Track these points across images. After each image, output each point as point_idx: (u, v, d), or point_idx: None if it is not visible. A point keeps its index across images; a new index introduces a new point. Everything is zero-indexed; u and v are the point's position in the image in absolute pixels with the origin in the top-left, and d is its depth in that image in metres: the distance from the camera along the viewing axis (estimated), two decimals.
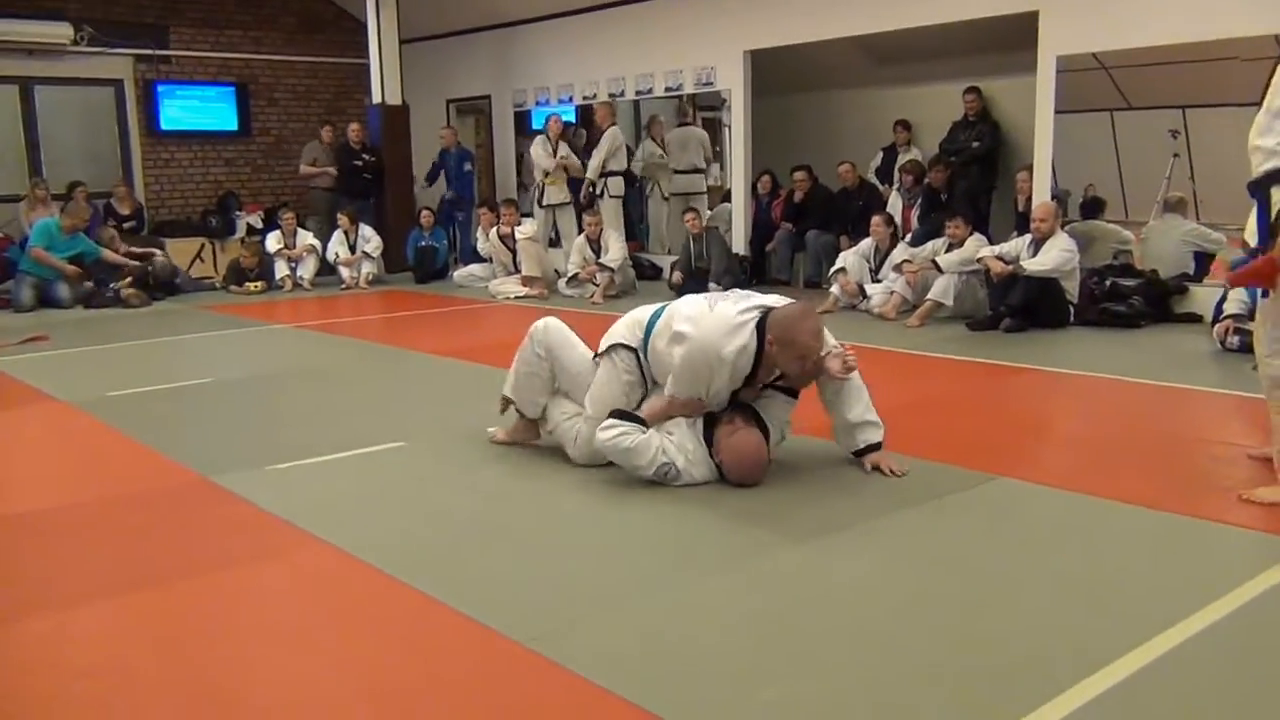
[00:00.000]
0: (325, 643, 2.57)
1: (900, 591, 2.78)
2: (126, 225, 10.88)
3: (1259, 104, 3.23)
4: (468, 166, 12.04)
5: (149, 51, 12.17)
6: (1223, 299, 6.22)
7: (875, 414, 3.85)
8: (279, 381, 6.07)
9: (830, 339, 3.76)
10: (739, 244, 10.05)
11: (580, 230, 9.98)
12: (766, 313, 3.62)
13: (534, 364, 4.07)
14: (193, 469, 4.05)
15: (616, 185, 10.35)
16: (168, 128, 12.35)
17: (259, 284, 10.57)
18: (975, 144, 9.01)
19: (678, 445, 3.66)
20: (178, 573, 3.02)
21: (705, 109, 10.81)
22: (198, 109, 12.52)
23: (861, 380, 3.84)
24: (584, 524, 3.42)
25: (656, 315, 3.87)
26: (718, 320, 3.61)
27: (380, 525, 3.40)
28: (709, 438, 3.69)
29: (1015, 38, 8.07)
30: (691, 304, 3.78)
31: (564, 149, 10.50)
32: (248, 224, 12.10)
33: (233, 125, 12.79)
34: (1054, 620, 2.57)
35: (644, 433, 3.64)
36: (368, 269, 10.95)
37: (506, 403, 4.21)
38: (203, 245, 11.80)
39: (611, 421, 3.66)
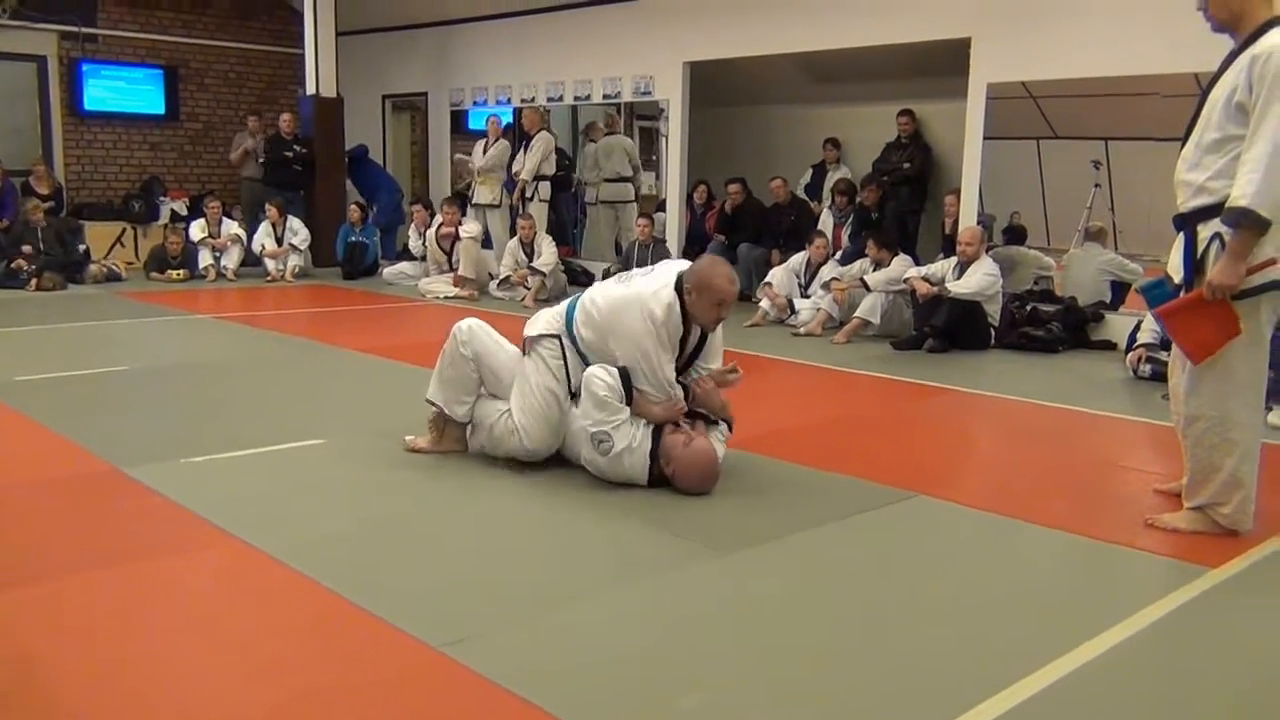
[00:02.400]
0: (234, 642, 2.51)
1: (820, 605, 2.80)
2: (44, 206, 10.53)
3: (1180, 139, 3.33)
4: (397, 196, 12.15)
5: (75, 29, 11.82)
6: (1137, 328, 6.41)
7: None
8: (197, 372, 5.93)
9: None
10: (675, 252, 10.08)
11: (512, 232, 9.93)
12: (678, 276, 3.78)
13: (460, 365, 4.04)
14: (104, 459, 3.93)
15: (545, 190, 10.32)
16: (92, 108, 12.00)
17: (181, 272, 10.33)
18: (907, 165, 9.18)
19: (631, 434, 3.69)
20: (85, 564, 2.93)
21: (643, 118, 10.85)
22: (124, 90, 12.19)
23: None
24: (504, 528, 3.40)
25: (573, 305, 3.95)
26: (639, 288, 3.77)
27: (296, 523, 3.33)
28: (656, 447, 3.71)
29: (948, 64, 8.24)
30: (606, 285, 3.96)
31: (496, 149, 10.43)
32: (172, 210, 11.83)
33: (160, 109, 12.47)
34: (967, 636, 2.62)
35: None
36: (294, 262, 10.76)
37: (434, 408, 4.16)
38: (124, 230, 11.50)
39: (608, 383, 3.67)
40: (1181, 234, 3.26)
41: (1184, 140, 3.29)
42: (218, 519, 3.28)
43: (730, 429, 3.96)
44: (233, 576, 2.93)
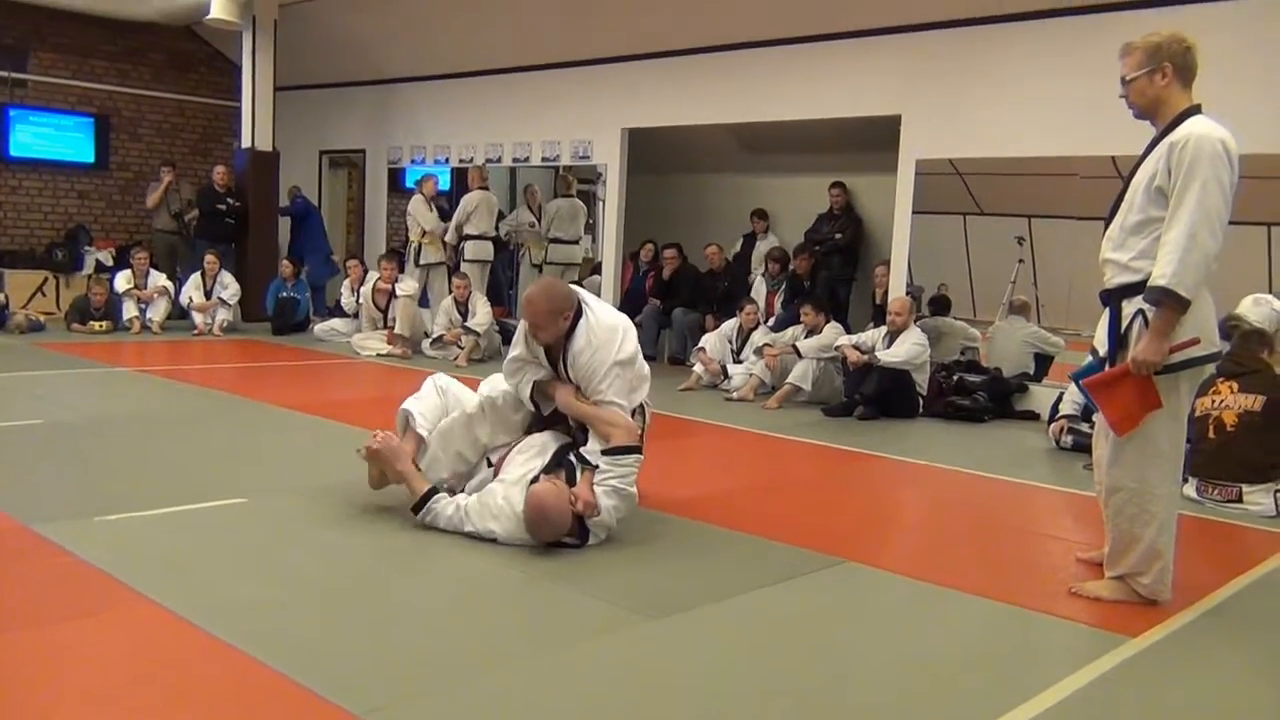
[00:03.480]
0: (143, 710, 2.40)
1: (748, 673, 2.78)
2: None
3: (1100, 218, 3.46)
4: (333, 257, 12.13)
5: (4, 74, 11.63)
6: (1059, 400, 6.57)
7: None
8: (116, 427, 5.76)
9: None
10: None
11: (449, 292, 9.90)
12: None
13: (431, 395, 4.19)
14: (13, 516, 3.78)
15: (476, 249, 10.33)
16: (17, 154, 11.78)
17: (104, 324, 10.08)
18: (838, 235, 9.36)
19: (503, 496, 3.72)
20: None
21: (581, 182, 10.94)
22: (52, 137, 12.00)
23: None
24: (430, 591, 3.33)
25: None
26: None
27: (214, 585, 3.23)
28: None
29: (878, 138, 8.47)
30: None
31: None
32: (97, 260, 11.59)
33: (89, 157, 12.29)
34: (893, 705, 2.62)
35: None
36: (223, 315, 10.59)
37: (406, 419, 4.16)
38: (45, 279, 11.23)
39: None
40: (1107, 309, 3.38)
41: (1108, 221, 3.42)
42: (130, 580, 3.16)
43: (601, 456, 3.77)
44: (143, 641, 2.82)
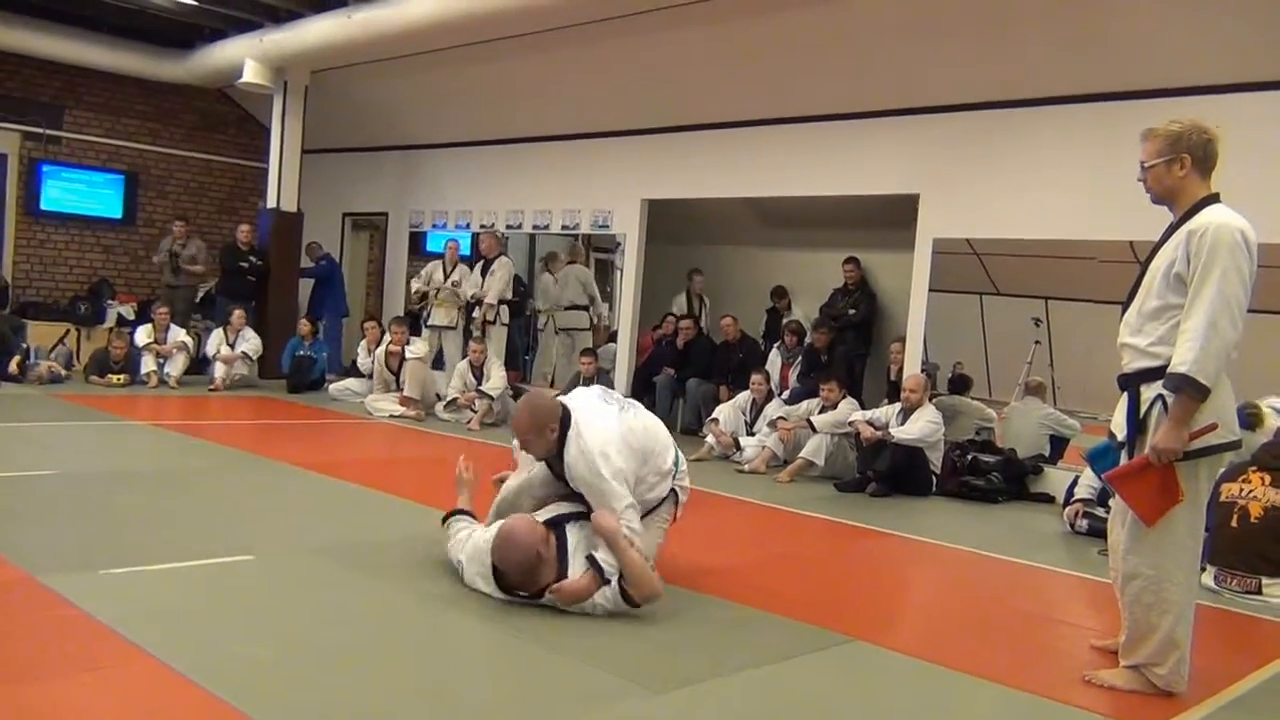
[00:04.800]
0: None
1: None
2: None
3: (1120, 303, 3.46)
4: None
5: (39, 130, 11.89)
6: (1074, 483, 6.50)
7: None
8: (128, 480, 5.77)
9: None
10: (621, 385, 10.14)
11: (464, 355, 9.94)
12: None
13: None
14: (19, 566, 3.77)
15: (505, 314, 10.43)
16: (48, 208, 11.98)
17: (122, 377, 10.15)
18: (852, 311, 9.39)
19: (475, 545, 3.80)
20: None
21: (600, 250, 11.04)
22: (83, 193, 12.21)
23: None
24: (432, 655, 3.29)
25: None
26: None
27: (217, 643, 3.20)
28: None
29: (896, 217, 8.53)
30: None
31: (459, 274, 10.56)
32: (119, 314, 11.71)
33: (117, 213, 12.49)
34: None
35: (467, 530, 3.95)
36: (238, 370, 10.65)
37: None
38: (67, 331, 11.33)
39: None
40: (1125, 394, 3.36)
41: (1125, 305, 3.43)
42: (134, 635, 3.14)
43: (619, 590, 3.65)
44: (143, 698, 2.79)
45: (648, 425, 4.08)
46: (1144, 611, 3.31)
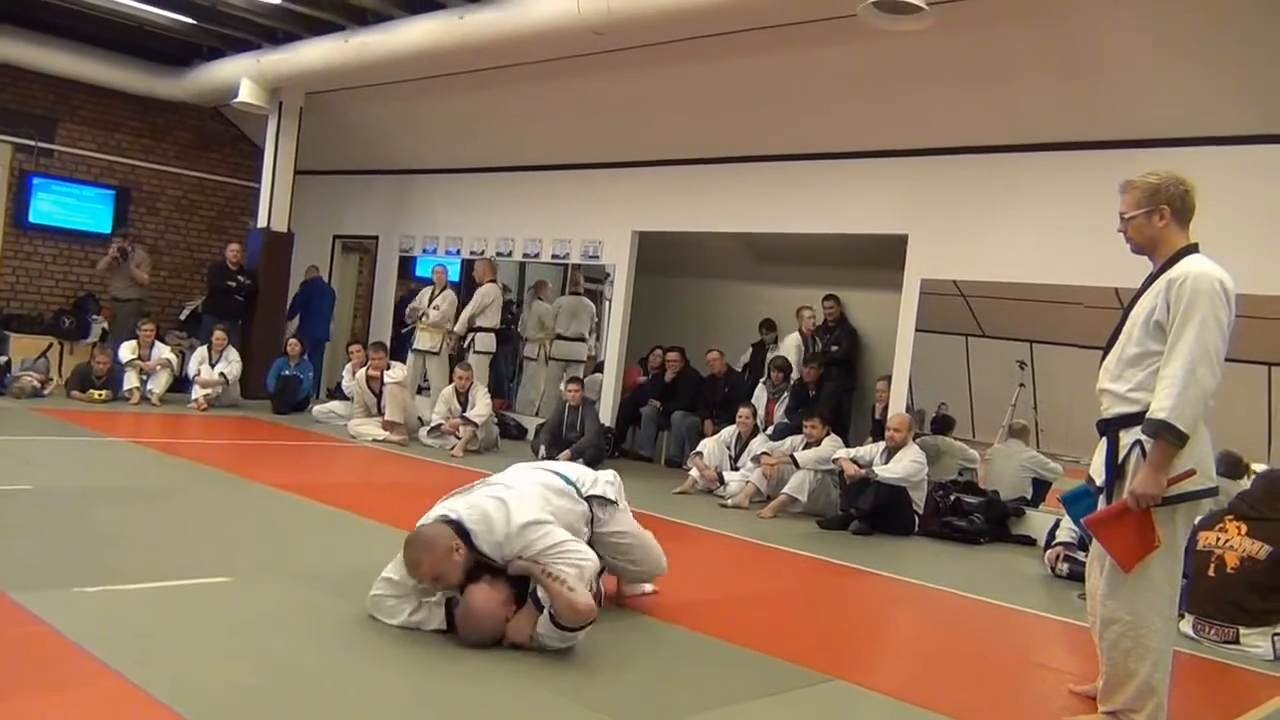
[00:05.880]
0: None
1: None
2: None
3: (1102, 348, 3.49)
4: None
5: (31, 143, 11.87)
6: (1055, 526, 6.52)
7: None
8: (105, 497, 5.71)
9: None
10: (606, 415, 10.13)
11: (450, 380, 9.92)
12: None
13: None
14: None
15: (483, 341, 10.40)
16: (36, 221, 11.94)
17: (104, 393, 10.08)
18: (834, 348, 9.43)
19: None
20: None
21: (589, 280, 11.06)
22: (72, 207, 12.17)
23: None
24: (407, 686, 3.25)
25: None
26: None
27: (189, 665, 3.15)
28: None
29: (883, 255, 8.59)
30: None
31: (443, 300, 10.55)
32: (103, 329, 11.64)
33: (106, 228, 12.43)
34: None
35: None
36: (218, 390, 10.59)
37: None
38: (50, 344, 11.25)
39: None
40: (1104, 439, 3.38)
41: (1105, 351, 3.46)
42: (105, 655, 3.10)
43: (548, 617, 3.52)
44: (108, 718, 2.75)
45: (519, 478, 3.97)
46: (1122, 657, 3.31)
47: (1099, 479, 3.42)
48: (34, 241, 12.05)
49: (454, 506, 3.74)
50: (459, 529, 3.62)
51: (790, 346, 9.63)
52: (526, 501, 3.74)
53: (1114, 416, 3.36)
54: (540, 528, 3.64)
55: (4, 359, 10.10)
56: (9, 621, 3.38)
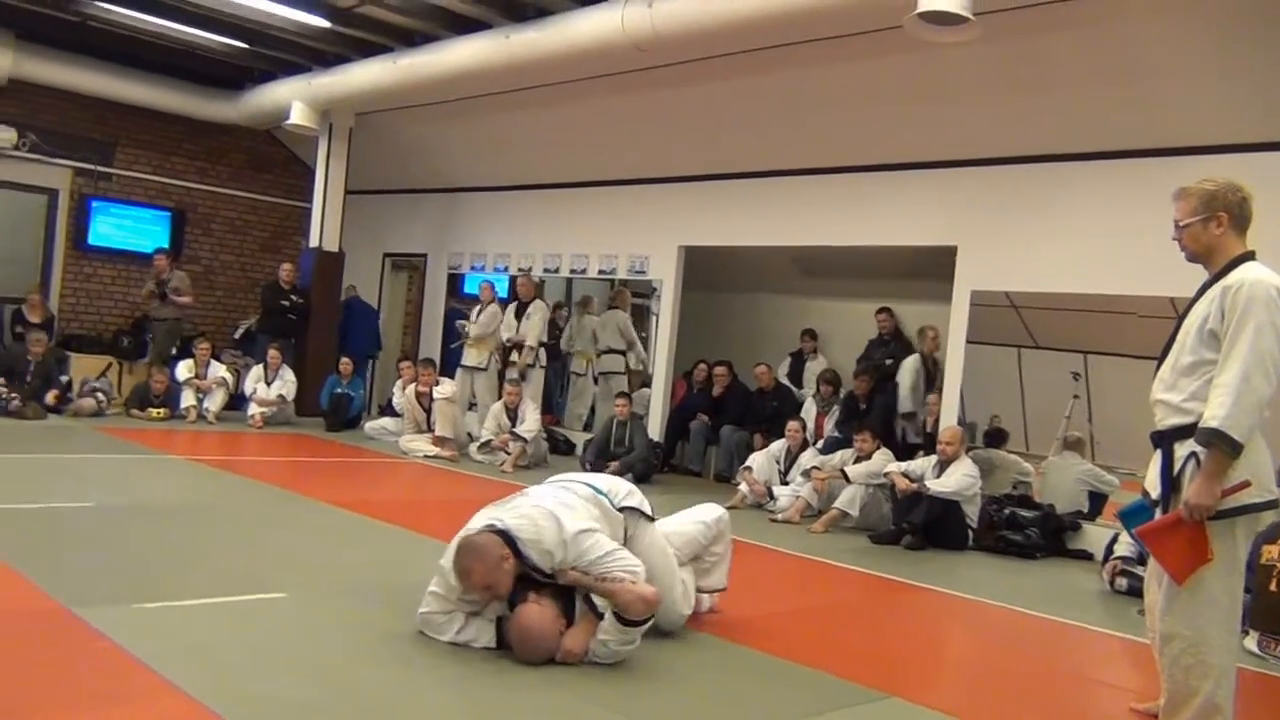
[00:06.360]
0: None
1: None
2: (45, 341, 10.51)
3: (1157, 358, 3.43)
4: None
5: (90, 166, 12.16)
6: (1114, 540, 6.40)
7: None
8: (164, 514, 5.82)
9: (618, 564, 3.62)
10: (654, 430, 10.13)
11: (498, 396, 9.98)
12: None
13: None
14: (54, 597, 3.81)
15: (543, 356, 10.49)
16: (95, 243, 12.21)
17: (162, 411, 10.27)
18: (889, 361, 9.33)
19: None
20: (14, 710, 2.79)
21: (635, 296, 11.09)
22: (130, 229, 12.43)
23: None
24: (461, 702, 3.27)
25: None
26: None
27: (246, 680, 3.20)
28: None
29: (931, 268, 8.51)
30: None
31: (486, 315, 10.60)
32: (170, 351, 11.85)
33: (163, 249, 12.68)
34: None
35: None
36: (273, 409, 10.75)
37: None
38: (109, 364, 11.48)
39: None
40: (1159, 451, 3.33)
41: (1159, 361, 3.40)
42: (164, 670, 3.15)
43: (613, 617, 3.55)
44: None
45: (563, 489, 3.99)
46: (1184, 674, 3.24)
47: (1154, 492, 3.36)
48: (93, 263, 12.33)
49: (499, 516, 3.74)
50: (507, 539, 3.63)
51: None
52: (576, 511, 3.76)
53: (1168, 428, 3.30)
54: (591, 536, 3.66)
55: (66, 378, 10.31)
56: (73, 637, 3.45)
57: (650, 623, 3.58)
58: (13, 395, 9.43)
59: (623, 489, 4.09)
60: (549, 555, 3.61)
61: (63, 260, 12.13)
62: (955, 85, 7.74)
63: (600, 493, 4.00)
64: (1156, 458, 3.36)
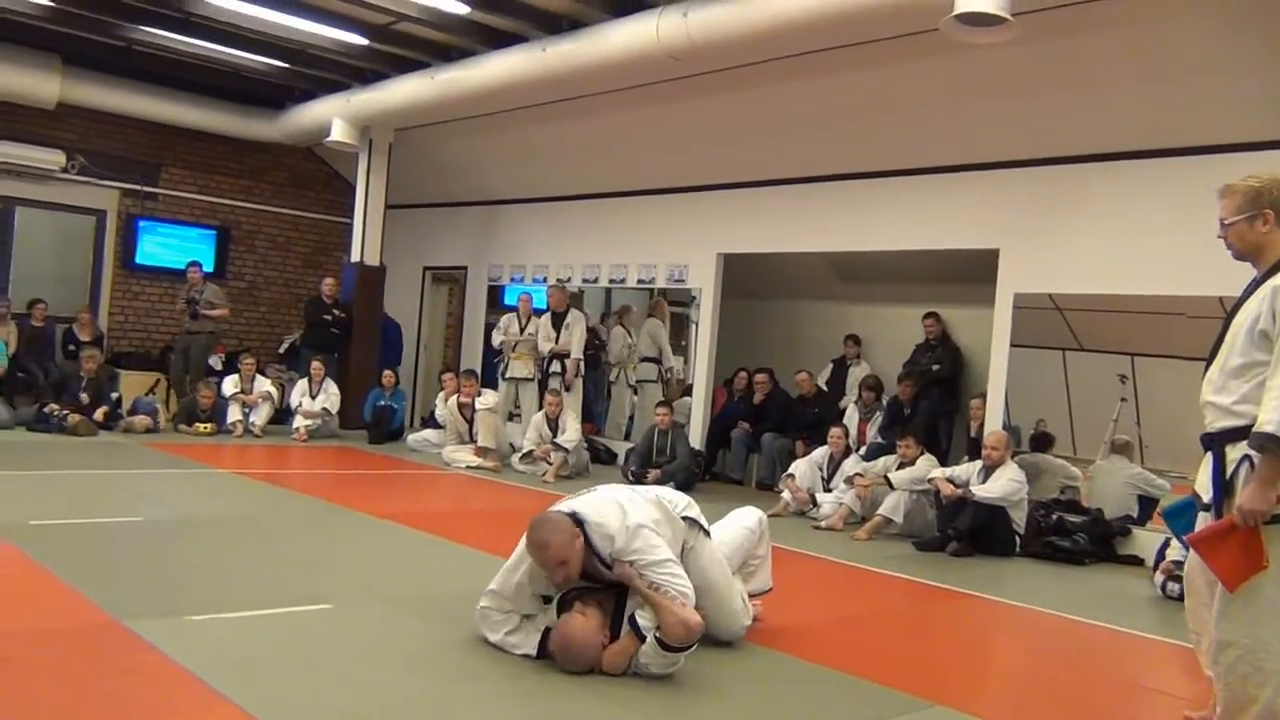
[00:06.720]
0: None
1: None
2: (85, 353, 10.72)
3: (1206, 359, 3.37)
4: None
5: (137, 187, 12.39)
6: (1165, 544, 6.28)
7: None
8: (211, 527, 5.90)
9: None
10: (695, 439, 10.11)
11: (541, 407, 10.02)
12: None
13: None
14: (105, 610, 3.88)
15: (581, 366, 10.53)
16: (142, 262, 12.43)
17: (209, 425, 10.42)
18: (936, 366, 9.25)
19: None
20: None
21: (674, 304, 11.09)
22: (176, 248, 12.63)
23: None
24: (505, 713, 3.28)
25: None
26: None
27: (296, 691, 3.23)
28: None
29: (974, 271, 8.42)
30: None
31: (534, 326, 10.67)
32: (207, 364, 12.02)
33: (209, 267, 12.83)
34: None
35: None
36: (318, 421, 10.86)
37: None
38: (157, 381, 11.68)
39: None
40: (1209, 454, 3.26)
41: (1208, 362, 3.33)
42: (215, 682, 3.19)
43: (654, 641, 3.53)
44: None
45: (629, 489, 4.06)
46: (1240, 682, 3.17)
47: (1205, 495, 3.28)
48: (141, 282, 12.54)
49: (566, 503, 3.82)
50: (575, 519, 3.68)
51: None
52: (641, 507, 3.80)
53: (1219, 431, 3.23)
54: (653, 536, 3.67)
55: (116, 395, 10.49)
56: (124, 649, 3.50)
57: (693, 649, 3.57)
58: (65, 411, 9.62)
59: (681, 500, 4.10)
60: (610, 540, 3.63)
61: (111, 279, 12.36)
62: (993, 87, 7.67)
63: (664, 500, 4.02)
64: (1207, 461, 3.29)
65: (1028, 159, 8.01)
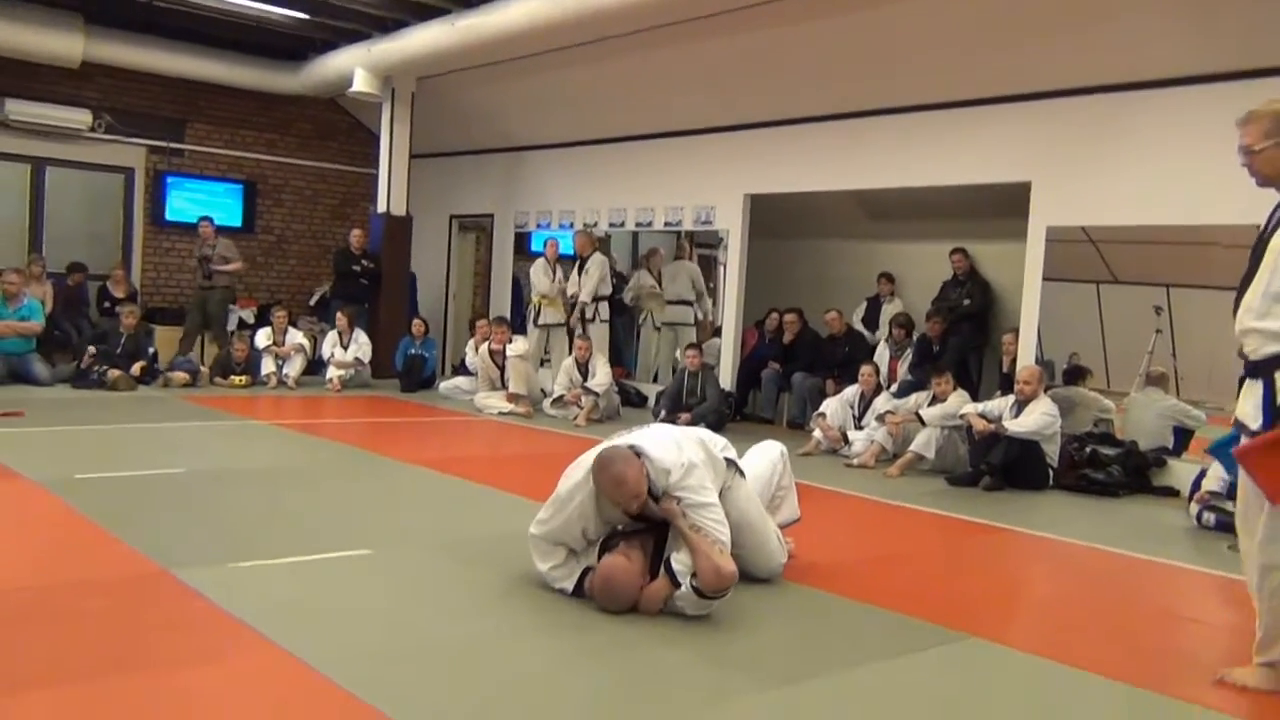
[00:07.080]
0: None
1: None
2: (120, 309, 10.84)
3: (1237, 288, 3.30)
4: None
5: (163, 144, 12.43)
6: (1201, 475, 6.24)
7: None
8: (251, 477, 6.00)
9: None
10: (725, 380, 10.11)
11: (571, 352, 10.06)
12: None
13: None
14: (153, 560, 3.97)
15: (605, 310, 10.52)
16: (172, 218, 12.52)
17: (244, 378, 10.55)
18: (966, 301, 9.18)
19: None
20: (119, 667, 2.93)
21: (702, 246, 11.04)
22: (204, 203, 12.69)
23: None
24: (545, 651, 3.34)
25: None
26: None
27: (339, 634, 3.31)
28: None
29: (1005, 205, 8.32)
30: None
31: (562, 272, 10.70)
32: (240, 318, 12.14)
33: (237, 222, 12.96)
34: None
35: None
36: (350, 371, 10.96)
37: None
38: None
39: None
40: (1259, 381, 3.19)
41: (1241, 289, 3.26)
42: (261, 626, 3.27)
43: (690, 589, 3.56)
44: (270, 687, 2.90)
45: (674, 427, 4.14)
46: None
47: (1252, 424, 3.20)
48: (171, 238, 12.64)
49: (623, 437, 3.86)
50: (634, 451, 3.72)
51: None
52: (693, 446, 3.86)
53: (1267, 356, 3.17)
54: (705, 477, 3.74)
55: (153, 350, 10.62)
56: (173, 596, 3.59)
57: (727, 594, 3.60)
58: (105, 367, 9.76)
59: (719, 441, 4.13)
60: (666, 473, 3.67)
61: (142, 236, 12.47)
62: (1021, 18, 7.51)
63: (705, 441, 4.06)
64: (1250, 389, 3.22)
65: (1059, 89, 7.85)
